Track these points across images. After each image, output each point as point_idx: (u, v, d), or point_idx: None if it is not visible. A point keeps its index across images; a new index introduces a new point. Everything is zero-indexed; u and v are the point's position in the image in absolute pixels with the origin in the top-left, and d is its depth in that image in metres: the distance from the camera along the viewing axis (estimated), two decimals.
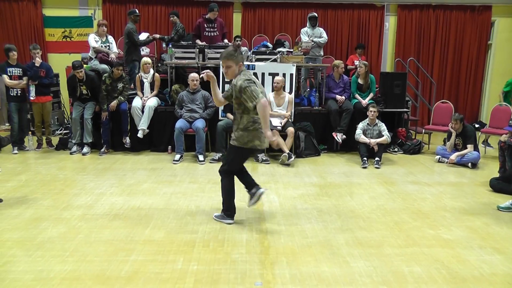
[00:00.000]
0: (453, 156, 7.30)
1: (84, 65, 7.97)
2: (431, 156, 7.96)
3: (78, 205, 5.05)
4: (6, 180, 6.05)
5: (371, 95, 8.30)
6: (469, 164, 7.19)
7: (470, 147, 7.24)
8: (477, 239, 4.25)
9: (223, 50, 8.44)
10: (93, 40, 8.47)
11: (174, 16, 9.31)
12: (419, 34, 11.36)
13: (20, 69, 7.88)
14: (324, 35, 9.43)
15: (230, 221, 4.56)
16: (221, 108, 7.85)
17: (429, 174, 6.83)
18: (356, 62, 9.96)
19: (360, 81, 8.32)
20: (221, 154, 7.38)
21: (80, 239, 4.10)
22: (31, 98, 7.86)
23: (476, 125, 10.67)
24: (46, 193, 5.50)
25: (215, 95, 4.54)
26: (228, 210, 4.58)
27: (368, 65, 8.45)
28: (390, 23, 11.44)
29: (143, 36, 8.88)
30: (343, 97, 8.18)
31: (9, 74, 7.79)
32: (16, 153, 7.78)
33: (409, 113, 9.15)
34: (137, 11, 8.80)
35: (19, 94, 7.88)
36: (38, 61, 7.84)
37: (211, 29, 9.12)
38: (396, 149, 8.30)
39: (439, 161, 7.56)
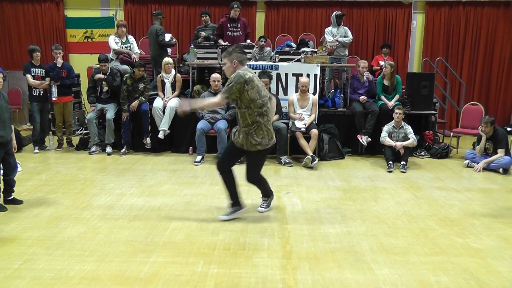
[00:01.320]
0: (481, 164, 7.16)
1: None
2: (459, 161, 7.83)
3: (98, 205, 5.12)
4: (27, 179, 6.17)
5: (397, 96, 8.22)
6: (500, 170, 7.06)
7: (501, 151, 7.10)
8: (509, 249, 4.16)
9: (246, 50, 8.51)
10: (113, 42, 8.59)
11: (206, 16, 9.39)
12: (448, 32, 11.18)
13: (43, 70, 8.06)
14: (349, 34, 9.38)
15: (244, 208, 4.82)
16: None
17: (458, 179, 6.73)
18: (381, 63, 9.88)
19: (385, 82, 8.24)
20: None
21: (100, 239, 4.15)
22: (53, 98, 8.03)
23: (508, 129, 10.45)
24: (66, 193, 5.59)
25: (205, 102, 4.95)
26: (236, 200, 4.80)
27: (394, 65, 8.36)
28: (418, 21, 11.30)
29: (167, 37, 8.95)
30: (365, 97, 8.12)
31: (32, 74, 7.97)
32: (37, 153, 7.93)
33: (437, 115, 9.02)
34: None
35: (41, 94, 8.06)
36: (59, 61, 8.00)
37: (234, 29, 9.15)
38: (422, 153, 8.19)
39: (468, 166, 7.43)
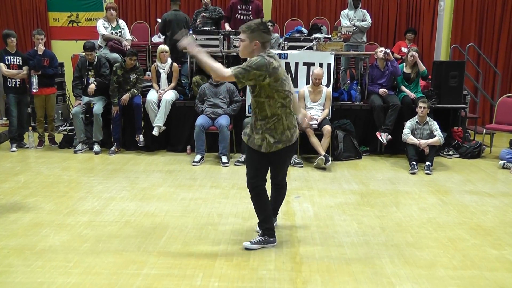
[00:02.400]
0: None
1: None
2: (493, 161, 7.81)
3: (84, 210, 5.13)
4: (3, 181, 6.21)
5: (422, 82, 8.22)
6: None
7: None
8: None
9: None
10: (102, 27, 8.58)
11: None
12: (481, 15, 11.09)
13: (20, 58, 8.07)
14: (368, 18, 9.37)
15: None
16: (248, 103, 7.86)
17: (491, 182, 6.71)
18: (404, 49, 9.85)
19: (406, 70, 8.23)
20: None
21: (86, 249, 4.15)
22: (34, 90, 8.03)
23: None
24: (48, 196, 5.60)
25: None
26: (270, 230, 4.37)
27: (418, 51, 8.35)
28: (446, 3, 11.22)
29: None
30: (385, 90, 8.09)
31: (7, 63, 7.98)
32: (14, 151, 7.96)
33: (467, 109, 9.01)
34: None
35: (18, 85, 8.07)
36: (41, 48, 8.00)
37: (245, 12, 9.14)
38: (450, 152, 8.18)
39: (503, 167, 7.41)
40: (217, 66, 3.91)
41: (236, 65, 3.97)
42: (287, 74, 4.14)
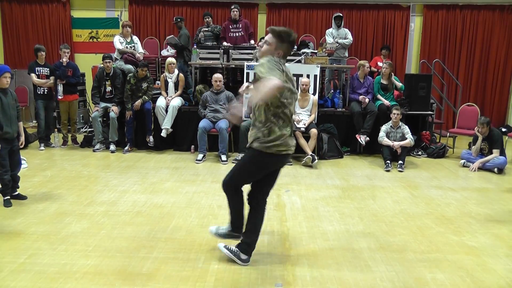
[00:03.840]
0: (476, 164, 7.15)
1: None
2: (455, 161, 7.81)
3: (102, 202, 5.11)
4: (33, 175, 6.17)
5: (396, 92, 8.24)
6: (495, 169, 7.04)
7: (496, 151, 7.09)
8: (504, 247, 4.14)
9: (247, 51, 8.51)
10: (118, 42, 8.58)
11: (209, 17, 9.42)
12: (445, 35, 11.15)
13: (48, 69, 8.07)
14: (349, 36, 9.36)
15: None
16: (244, 108, 7.85)
17: (454, 178, 6.71)
18: (380, 64, 9.86)
19: (383, 81, 8.25)
20: (244, 154, 7.38)
21: (103, 235, 4.14)
22: (59, 97, 8.05)
23: (503, 129, 10.44)
24: (71, 189, 5.58)
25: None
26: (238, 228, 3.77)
27: (392, 65, 8.37)
28: (416, 23, 11.26)
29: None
30: (367, 99, 8.10)
31: (37, 73, 7.97)
32: (42, 150, 7.93)
33: (434, 116, 9.01)
34: (175, 19, 9.34)
35: (46, 93, 8.06)
36: (64, 60, 7.99)
37: (236, 30, 9.16)
38: (420, 153, 8.18)
39: (464, 166, 7.42)
40: (267, 87, 2.97)
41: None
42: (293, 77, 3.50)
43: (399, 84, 8.32)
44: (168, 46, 9.66)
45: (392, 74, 8.38)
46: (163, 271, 3.46)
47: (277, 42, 3.32)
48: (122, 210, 4.87)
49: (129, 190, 5.62)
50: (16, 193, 5.14)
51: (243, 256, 3.62)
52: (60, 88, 7.99)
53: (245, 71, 8.00)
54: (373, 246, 4.05)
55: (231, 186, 3.62)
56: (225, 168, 6.93)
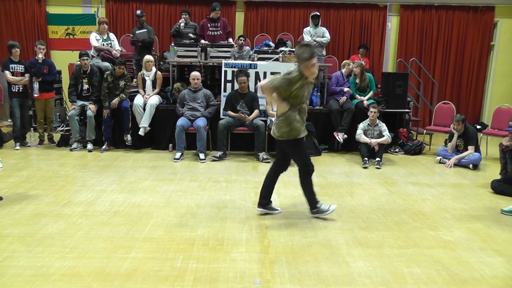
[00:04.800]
0: (452, 160, 7.27)
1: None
2: (432, 157, 7.93)
3: (79, 202, 5.05)
4: (8, 176, 6.05)
5: (371, 93, 8.30)
6: (470, 166, 7.17)
7: (471, 148, 7.22)
8: (478, 241, 4.23)
9: (225, 49, 8.48)
10: (94, 39, 8.48)
11: (186, 14, 9.31)
12: (421, 34, 11.32)
13: (22, 66, 7.90)
14: (327, 34, 9.40)
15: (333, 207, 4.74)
16: (222, 106, 7.84)
17: (430, 175, 6.81)
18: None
19: (357, 81, 8.31)
20: (222, 152, 7.38)
21: (80, 236, 4.09)
22: (35, 95, 7.89)
23: (478, 126, 10.65)
24: (47, 189, 5.49)
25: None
26: (315, 202, 4.72)
27: (362, 64, 8.44)
28: (393, 23, 11.40)
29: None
30: (345, 96, 8.15)
31: (11, 71, 7.81)
32: (18, 149, 7.78)
33: (411, 113, 9.13)
34: (137, 12, 8.97)
35: (21, 91, 7.90)
36: (40, 57, 7.85)
37: (214, 28, 9.11)
38: (397, 150, 8.28)
39: (440, 162, 7.54)
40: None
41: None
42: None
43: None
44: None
45: (365, 73, 8.41)
46: (142, 271, 3.43)
47: (302, 59, 4.52)
48: (100, 210, 4.81)
49: (107, 189, 5.56)
50: None
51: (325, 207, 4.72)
52: (36, 86, 7.85)
53: (223, 69, 7.97)
54: (351, 242, 4.09)
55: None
56: (203, 166, 6.91)
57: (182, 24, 9.15)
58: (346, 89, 8.24)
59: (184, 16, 9.29)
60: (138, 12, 8.95)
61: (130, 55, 9.20)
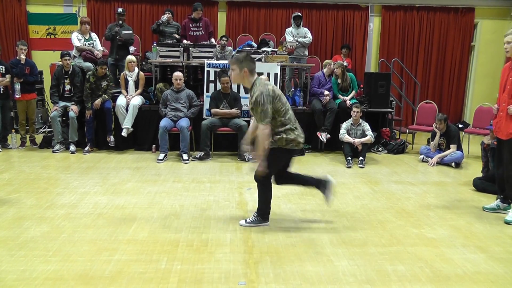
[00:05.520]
0: (435, 159, 7.37)
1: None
2: (415, 156, 8.02)
3: (62, 204, 4.99)
4: None
5: (353, 92, 8.35)
6: (453, 164, 7.26)
7: (453, 147, 7.31)
8: (460, 238, 4.29)
9: (208, 49, 8.45)
10: (76, 39, 8.39)
11: (169, 13, 9.19)
12: (403, 35, 11.44)
13: (3, 66, 7.78)
14: (309, 35, 9.44)
15: (267, 223, 4.48)
16: (205, 107, 7.82)
17: (413, 173, 6.88)
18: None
19: (339, 81, 8.35)
20: (203, 153, 7.37)
21: (64, 239, 4.04)
22: (17, 96, 7.78)
23: (460, 125, 10.79)
24: (30, 192, 5.42)
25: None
26: (266, 214, 4.49)
27: (343, 64, 8.50)
28: (375, 24, 11.50)
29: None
30: (328, 96, 8.17)
31: None
32: None
33: (393, 113, 9.21)
34: (119, 10, 8.78)
35: (1, 92, 7.78)
36: (23, 58, 7.77)
37: (196, 28, 9.08)
38: (380, 149, 8.35)
39: (423, 161, 7.62)
40: (262, 138, 4.07)
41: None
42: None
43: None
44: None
45: (346, 73, 8.44)
46: (126, 274, 3.41)
47: (237, 64, 4.09)
48: (83, 212, 4.76)
49: (90, 191, 5.51)
50: None
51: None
52: (17, 86, 7.74)
53: (206, 69, 7.96)
54: (335, 241, 4.11)
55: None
56: (187, 167, 6.89)
57: (165, 18, 9.01)
58: (326, 92, 8.23)
59: (167, 15, 9.25)
60: (120, 10, 8.79)
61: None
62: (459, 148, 7.39)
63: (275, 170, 4.35)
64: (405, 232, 4.39)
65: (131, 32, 8.68)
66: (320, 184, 4.52)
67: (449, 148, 7.35)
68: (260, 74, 7.72)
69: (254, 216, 4.50)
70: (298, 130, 4.32)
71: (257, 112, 4.05)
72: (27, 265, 3.51)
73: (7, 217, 4.55)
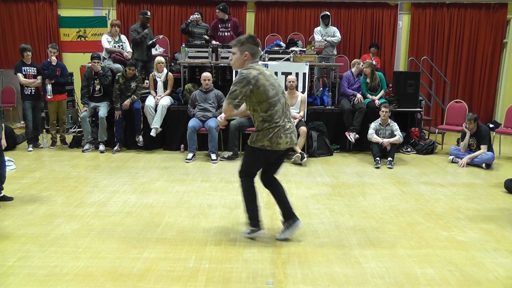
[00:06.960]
0: (465, 160, 7.21)
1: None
2: (444, 157, 7.88)
3: (91, 203, 5.08)
4: (21, 177, 6.11)
5: (382, 92, 8.25)
6: (483, 165, 7.10)
7: (484, 147, 7.15)
8: (492, 241, 4.19)
9: None
10: (106, 41, 8.55)
11: (198, 15, 9.28)
12: (433, 32, 11.25)
13: (35, 68, 7.98)
14: (338, 34, 9.38)
15: (260, 231, 4.13)
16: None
17: (443, 174, 6.76)
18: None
19: (367, 80, 8.27)
20: (232, 153, 7.40)
21: (93, 236, 4.12)
22: (48, 97, 7.97)
23: (491, 125, 10.55)
24: (60, 190, 5.54)
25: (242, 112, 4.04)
26: (252, 219, 4.10)
27: (372, 64, 8.40)
28: (404, 22, 11.34)
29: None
30: (359, 99, 8.09)
31: (23, 73, 7.89)
32: (31, 151, 7.86)
33: (422, 112, 9.07)
34: (148, 13, 8.89)
35: (33, 93, 7.98)
36: (54, 60, 7.93)
37: (225, 29, 9.13)
38: (409, 149, 8.23)
39: (452, 162, 7.48)
40: (224, 109, 3.80)
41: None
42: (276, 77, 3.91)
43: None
44: (157, 45, 9.59)
45: (375, 72, 8.35)
46: (154, 272, 3.45)
47: (238, 47, 3.78)
48: (112, 210, 4.84)
49: (119, 190, 5.60)
50: (1, 195, 5.07)
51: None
52: (49, 88, 7.93)
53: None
54: (363, 243, 4.07)
55: None
56: (215, 167, 6.92)
57: (193, 17, 9.11)
58: (359, 95, 8.13)
59: (196, 15, 9.31)
60: (149, 13, 8.95)
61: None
62: (490, 148, 7.23)
63: (254, 169, 4.04)
64: (435, 235, 4.31)
65: (162, 36, 8.88)
66: (290, 218, 4.09)
67: (480, 149, 7.20)
68: (288, 74, 7.80)
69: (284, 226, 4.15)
70: (282, 130, 3.78)
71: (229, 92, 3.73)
72: (57, 261, 3.59)
73: (38, 214, 4.66)
